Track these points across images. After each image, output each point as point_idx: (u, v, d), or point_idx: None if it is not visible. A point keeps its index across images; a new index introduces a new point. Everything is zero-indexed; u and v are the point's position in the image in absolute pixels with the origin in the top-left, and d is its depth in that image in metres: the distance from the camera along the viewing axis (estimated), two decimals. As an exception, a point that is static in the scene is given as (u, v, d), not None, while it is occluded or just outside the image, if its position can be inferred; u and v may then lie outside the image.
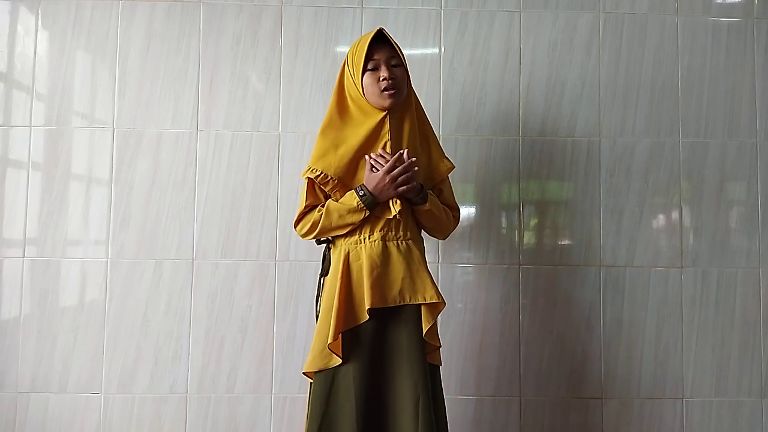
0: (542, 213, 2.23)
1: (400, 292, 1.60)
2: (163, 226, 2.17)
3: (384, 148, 1.65)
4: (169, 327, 2.14)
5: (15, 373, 2.12)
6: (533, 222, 2.23)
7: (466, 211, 2.20)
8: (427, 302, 1.59)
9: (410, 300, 1.59)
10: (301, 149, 2.19)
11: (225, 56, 2.21)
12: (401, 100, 1.67)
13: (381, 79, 1.62)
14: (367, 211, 1.61)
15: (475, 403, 2.14)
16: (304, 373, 1.67)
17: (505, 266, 2.19)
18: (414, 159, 1.63)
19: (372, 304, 1.56)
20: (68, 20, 2.20)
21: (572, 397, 2.16)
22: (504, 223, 2.22)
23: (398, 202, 1.62)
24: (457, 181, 2.19)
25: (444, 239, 1.84)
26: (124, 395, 2.13)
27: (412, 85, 1.76)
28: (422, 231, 1.77)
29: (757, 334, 2.19)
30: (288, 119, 2.20)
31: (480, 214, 2.21)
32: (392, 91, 1.63)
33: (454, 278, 2.18)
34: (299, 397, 2.12)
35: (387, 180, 1.60)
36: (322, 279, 1.73)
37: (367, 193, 1.61)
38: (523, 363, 2.16)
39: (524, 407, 2.15)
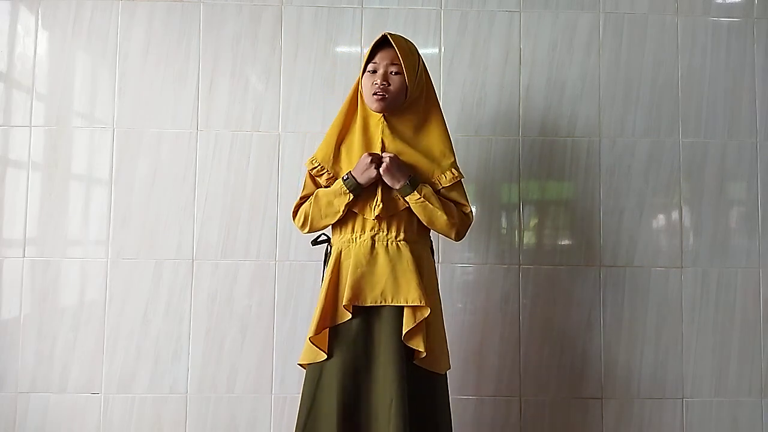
0: (542, 213, 2.23)
1: (382, 292, 1.61)
2: (163, 226, 2.17)
3: (374, 147, 1.67)
4: (169, 327, 2.14)
5: (15, 373, 2.12)
6: (533, 222, 2.22)
7: (466, 211, 2.20)
8: (408, 305, 1.59)
9: (392, 301, 1.60)
10: (301, 149, 2.19)
11: (225, 56, 2.21)
12: (392, 107, 1.68)
13: (374, 83, 1.66)
14: (351, 195, 1.63)
15: (475, 403, 2.14)
16: (299, 364, 1.69)
17: (505, 266, 2.19)
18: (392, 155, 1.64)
19: (348, 301, 1.58)
20: (68, 20, 2.20)
21: (572, 397, 2.16)
22: (504, 223, 2.21)
23: (380, 205, 1.64)
24: (457, 181, 2.20)
25: (457, 238, 1.70)
26: (124, 395, 2.13)
27: (434, 91, 1.76)
28: (431, 232, 1.75)
29: (757, 334, 2.19)
30: (288, 119, 2.20)
31: (480, 214, 2.21)
32: (381, 96, 1.65)
33: (454, 278, 2.18)
34: (299, 397, 2.11)
35: (368, 160, 1.62)
36: (324, 271, 1.75)
37: (351, 177, 1.64)
38: (523, 363, 2.16)
39: (524, 407, 2.15)
